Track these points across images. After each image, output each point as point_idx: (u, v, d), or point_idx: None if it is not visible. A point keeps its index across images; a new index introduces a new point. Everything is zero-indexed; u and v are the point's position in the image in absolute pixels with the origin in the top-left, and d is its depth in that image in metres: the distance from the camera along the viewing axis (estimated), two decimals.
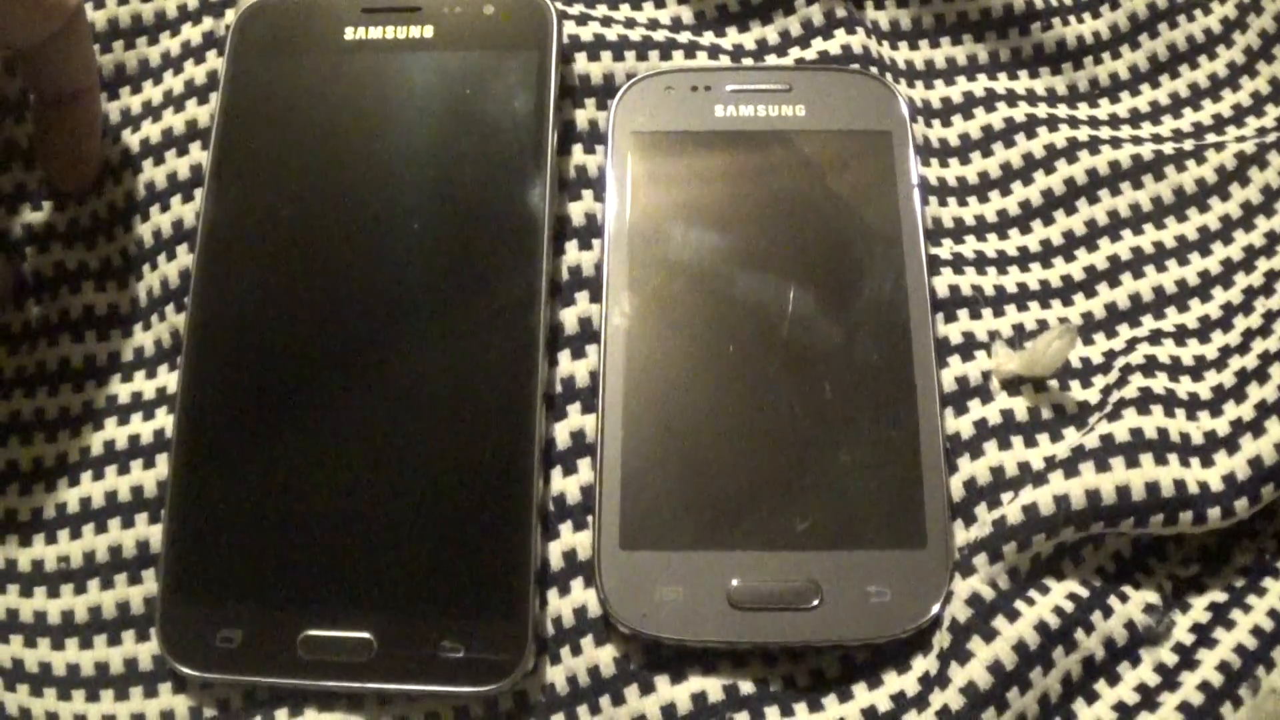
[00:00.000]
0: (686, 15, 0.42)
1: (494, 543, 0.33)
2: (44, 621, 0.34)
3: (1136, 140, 0.40)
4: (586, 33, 0.39)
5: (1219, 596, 0.34)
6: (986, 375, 0.36)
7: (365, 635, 0.32)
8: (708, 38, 0.41)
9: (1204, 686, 0.32)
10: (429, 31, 0.38)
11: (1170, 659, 0.33)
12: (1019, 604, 0.32)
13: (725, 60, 0.40)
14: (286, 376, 0.35)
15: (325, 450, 0.34)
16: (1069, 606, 0.32)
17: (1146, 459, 0.33)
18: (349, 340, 0.35)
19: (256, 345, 0.35)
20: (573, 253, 0.37)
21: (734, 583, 0.33)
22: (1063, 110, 0.41)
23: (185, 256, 0.37)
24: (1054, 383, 0.36)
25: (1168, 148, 0.40)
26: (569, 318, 0.36)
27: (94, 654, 0.34)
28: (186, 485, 0.34)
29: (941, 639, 0.32)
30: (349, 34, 0.38)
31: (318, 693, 0.33)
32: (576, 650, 0.33)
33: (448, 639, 0.32)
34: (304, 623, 0.33)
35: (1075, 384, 0.36)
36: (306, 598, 0.33)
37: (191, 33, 0.40)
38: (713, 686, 0.32)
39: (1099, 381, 0.36)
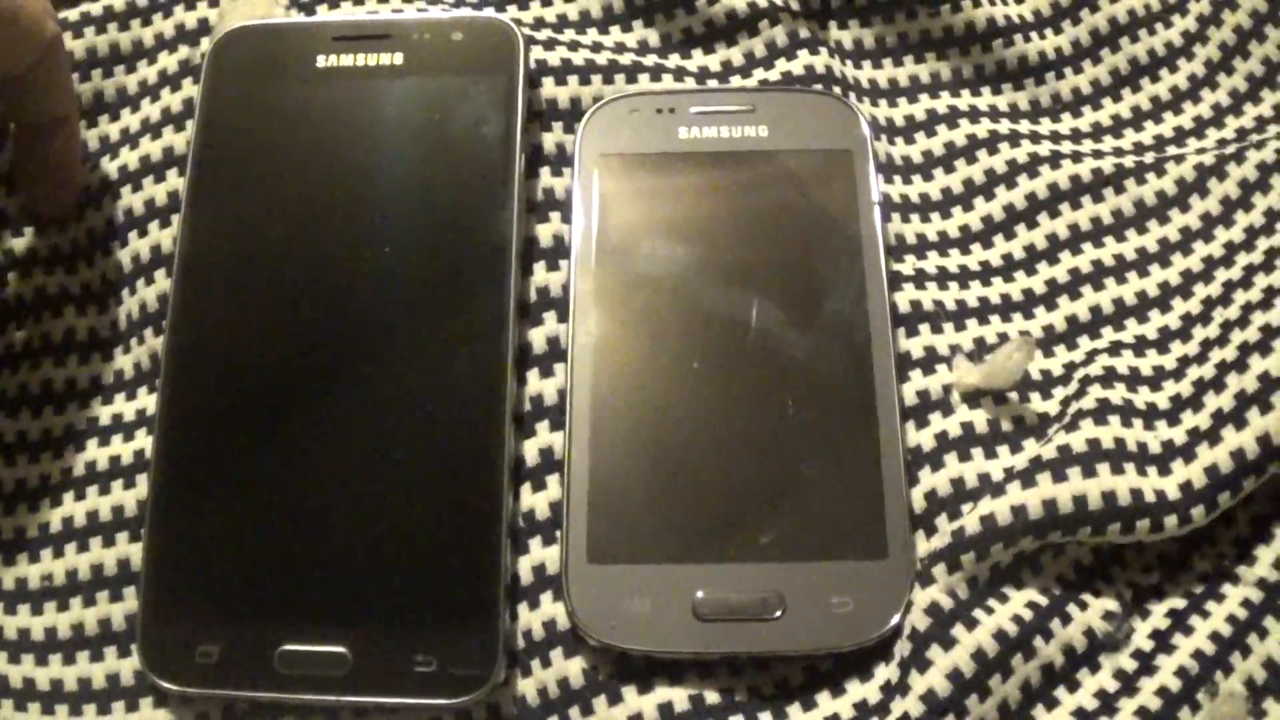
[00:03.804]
0: (652, 38, 0.42)
1: (465, 558, 0.34)
2: (28, 638, 0.35)
3: (1097, 154, 0.41)
4: (554, 57, 0.40)
5: (1178, 603, 0.34)
6: (947, 389, 0.36)
7: (340, 650, 0.33)
8: (673, 60, 0.42)
9: (1162, 692, 0.32)
10: (399, 59, 0.39)
11: (1129, 665, 0.33)
12: (978, 613, 0.33)
13: (690, 82, 0.41)
14: (262, 397, 0.36)
15: (300, 469, 0.35)
16: (1028, 615, 0.33)
17: (1103, 468, 0.34)
18: (323, 361, 0.36)
19: (232, 367, 0.36)
20: (541, 273, 0.38)
21: (699, 594, 0.33)
22: (1024, 125, 0.42)
23: (164, 281, 0.38)
24: (1014, 395, 0.36)
25: (1128, 161, 0.40)
26: (537, 337, 0.37)
27: (77, 670, 0.35)
28: (165, 504, 0.35)
29: (902, 648, 0.33)
30: (321, 61, 0.39)
31: (295, 706, 0.33)
32: (546, 663, 0.34)
33: (421, 652, 0.33)
34: (281, 638, 0.33)
35: (1035, 396, 0.37)
36: (283, 613, 0.34)
37: (168, 61, 0.41)
38: (679, 696, 0.33)
39: (1058, 393, 0.37)
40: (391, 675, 0.33)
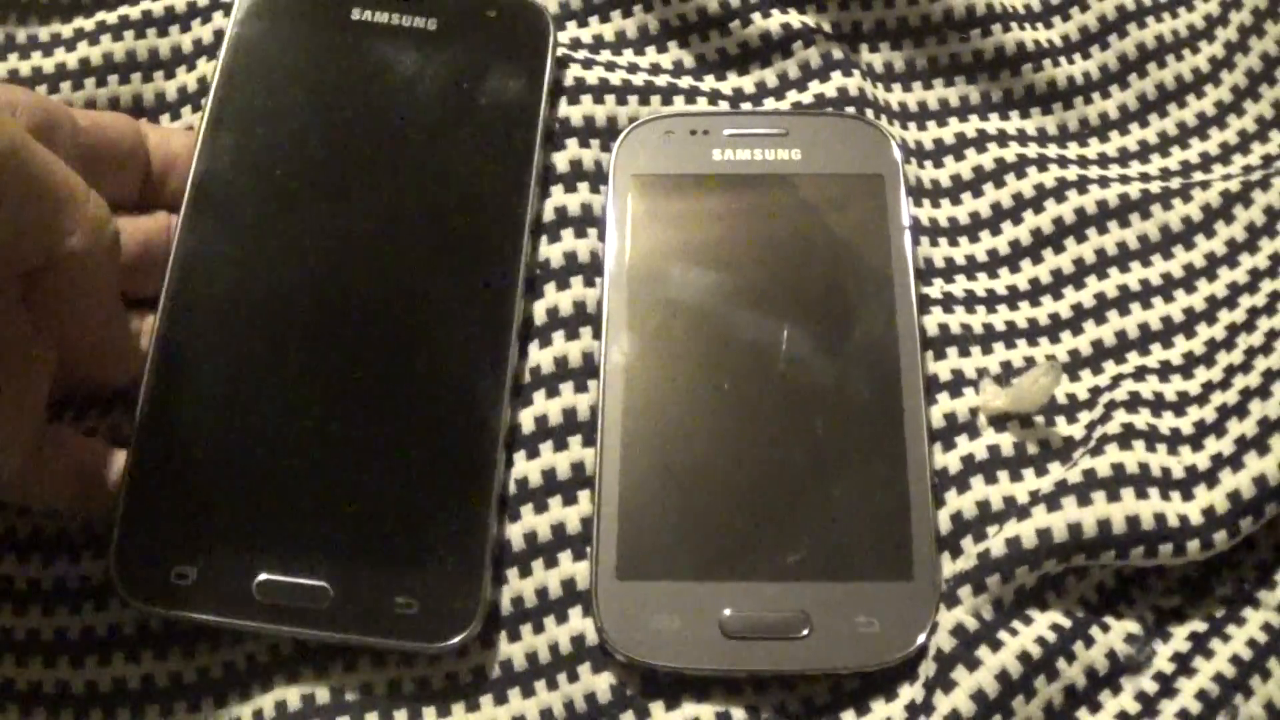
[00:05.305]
0: (688, 60, 0.43)
1: (456, 508, 0.34)
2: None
3: (1124, 179, 0.41)
4: (591, 76, 0.41)
5: (1199, 626, 0.35)
6: (974, 411, 0.37)
7: (322, 583, 0.33)
8: (708, 82, 0.42)
9: (1183, 714, 0.33)
10: (433, 24, 0.39)
11: (1151, 687, 0.33)
12: (1002, 634, 0.33)
13: (724, 104, 0.41)
14: (267, 324, 0.36)
15: (301, 399, 0.35)
16: (1051, 636, 0.33)
17: (1128, 493, 0.34)
18: (332, 295, 0.36)
19: (237, 292, 0.36)
20: (577, 289, 0.38)
21: (727, 612, 0.34)
22: (1052, 150, 0.42)
23: None
24: (1040, 418, 0.37)
25: (1155, 186, 0.41)
26: (572, 352, 0.37)
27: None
28: (156, 416, 0.35)
29: (927, 668, 0.33)
30: (355, 14, 0.39)
31: (271, 637, 0.34)
32: (574, 677, 0.34)
33: (402, 594, 0.33)
34: (262, 565, 0.33)
35: (1061, 420, 0.37)
36: (266, 541, 0.33)
37: (207, 68, 0.41)
38: (706, 713, 0.33)
39: (1084, 417, 0.37)
40: (371, 614, 0.33)
